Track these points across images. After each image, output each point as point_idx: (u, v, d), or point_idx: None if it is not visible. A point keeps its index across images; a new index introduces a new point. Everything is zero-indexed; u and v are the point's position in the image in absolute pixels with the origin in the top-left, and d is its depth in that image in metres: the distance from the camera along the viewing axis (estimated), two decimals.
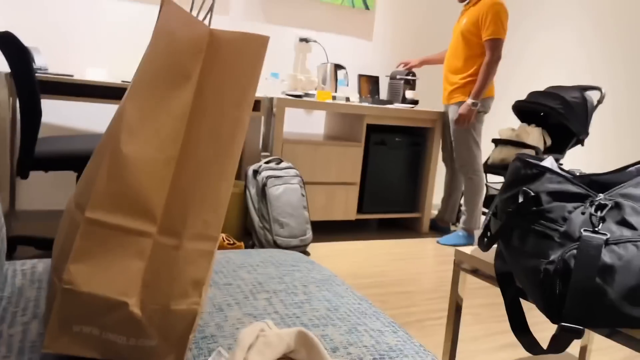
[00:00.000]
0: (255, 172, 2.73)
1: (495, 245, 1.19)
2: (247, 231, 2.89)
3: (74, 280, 0.61)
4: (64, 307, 0.61)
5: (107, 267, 0.63)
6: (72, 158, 2.01)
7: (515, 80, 4.39)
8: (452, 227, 3.57)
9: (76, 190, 0.68)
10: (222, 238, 2.59)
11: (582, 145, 3.38)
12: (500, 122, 4.31)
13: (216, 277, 1.03)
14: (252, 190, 2.72)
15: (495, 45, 2.99)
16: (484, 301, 2.32)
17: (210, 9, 0.83)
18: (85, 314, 0.62)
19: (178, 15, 0.63)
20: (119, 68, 3.02)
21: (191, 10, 0.76)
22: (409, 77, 3.51)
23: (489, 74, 3.01)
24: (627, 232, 0.95)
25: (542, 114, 3.41)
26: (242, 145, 0.66)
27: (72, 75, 2.56)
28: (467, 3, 3.18)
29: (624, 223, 0.97)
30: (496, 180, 3.69)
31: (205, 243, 0.67)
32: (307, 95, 3.12)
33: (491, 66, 3.00)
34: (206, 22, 0.74)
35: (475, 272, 1.31)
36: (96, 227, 0.62)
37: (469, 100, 3.05)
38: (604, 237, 0.94)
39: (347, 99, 3.29)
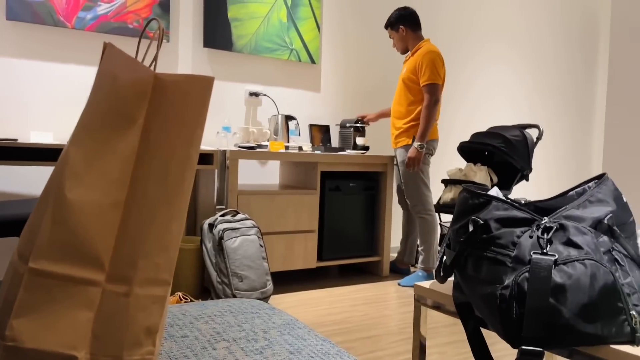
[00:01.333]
0: (211, 226, 2.69)
1: (452, 278, 1.21)
2: (205, 288, 2.81)
3: (18, 337, 0.58)
4: None
5: (53, 320, 0.60)
6: (16, 222, 1.92)
7: (459, 123, 4.59)
8: (412, 268, 3.59)
9: (19, 241, 0.65)
10: (179, 297, 2.50)
11: (527, 180, 3.53)
12: (447, 163, 4.46)
13: (172, 330, 0.99)
14: (209, 245, 2.67)
15: (432, 89, 3.14)
16: (449, 339, 2.32)
17: (155, 59, 0.84)
18: None
19: (121, 60, 0.63)
20: (64, 131, 2.96)
21: (136, 58, 0.77)
22: (359, 125, 3.61)
23: (429, 116, 3.14)
24: (573, 252, 0.99)
25: (486, 152, 3.56)
26: (192, 183, 0.66)
27: (16, 140, 2.49)
28: (407, 54, 3.36)
29: (569, 243, 1.00)
30: (449, 220, 3.77)
31: (157, 288, 0.65)
32: (259, 146, 3.15)
33: (430, 109, 3.13)
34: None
35: (437, 307, 1.31)
36: (41, 278, 0.60)
37: (415, 144, 3.15)
38: (553, 258, 0.97)
39: (300, 148, 3.33)
